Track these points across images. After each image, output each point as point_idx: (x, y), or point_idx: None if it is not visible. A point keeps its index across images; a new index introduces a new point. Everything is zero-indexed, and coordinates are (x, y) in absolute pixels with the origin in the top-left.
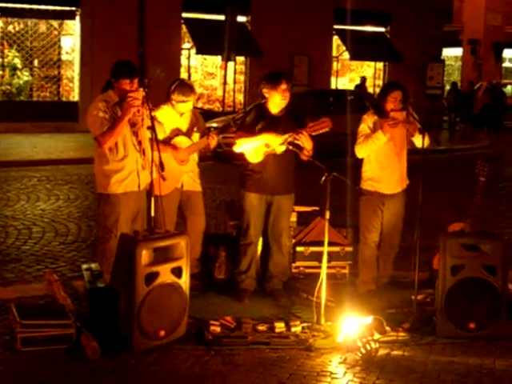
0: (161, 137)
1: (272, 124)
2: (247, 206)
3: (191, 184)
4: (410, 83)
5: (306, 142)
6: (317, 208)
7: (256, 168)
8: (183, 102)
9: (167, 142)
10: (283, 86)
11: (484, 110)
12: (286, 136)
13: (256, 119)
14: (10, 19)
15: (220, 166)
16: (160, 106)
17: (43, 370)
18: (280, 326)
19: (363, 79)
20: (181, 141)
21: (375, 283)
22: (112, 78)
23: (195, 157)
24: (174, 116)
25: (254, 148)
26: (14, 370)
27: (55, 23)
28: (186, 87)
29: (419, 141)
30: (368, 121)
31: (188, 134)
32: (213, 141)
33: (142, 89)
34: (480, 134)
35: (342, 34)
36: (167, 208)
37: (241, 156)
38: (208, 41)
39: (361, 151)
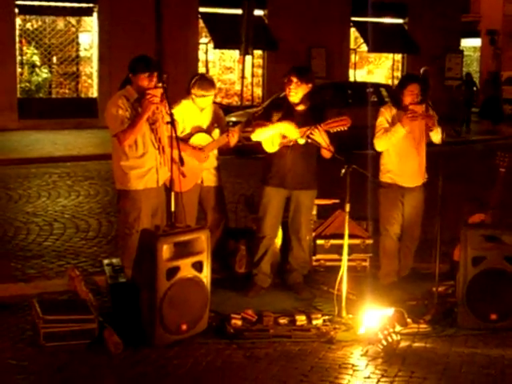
0: (178, 134)
1: (290, 117)
2: (264, 199)
3: (211, 179)
4: (430, 74)
5: (319, 137)
6: (337, 201)
7: (274, 161)
8: (203, 96)
9: (186, 140)
10: (290, 79)
11: (486, 101)
12: (304, 129)
13: (276, 111)
14: (28, 17)
15: (240, 160)
16: (180, 100)
17: (66, 364)
18: (301, 319)
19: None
20: (201, 138)
21: (397, 275)
22: (130, 74)
23: (215, 152)
24: (194, 111)
25: (270, 137)
26: (38, 364)
27: (73, 20)
28: (207, 82)
29: (436, 136)
30: (386, 114)
31: (208, 130)
32: (233, 138)
33: (160, 84)
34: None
35: (359, 26)
36: (188, 203)
37: (259, 146)
38: (225, 35)
39: (380, 144)
